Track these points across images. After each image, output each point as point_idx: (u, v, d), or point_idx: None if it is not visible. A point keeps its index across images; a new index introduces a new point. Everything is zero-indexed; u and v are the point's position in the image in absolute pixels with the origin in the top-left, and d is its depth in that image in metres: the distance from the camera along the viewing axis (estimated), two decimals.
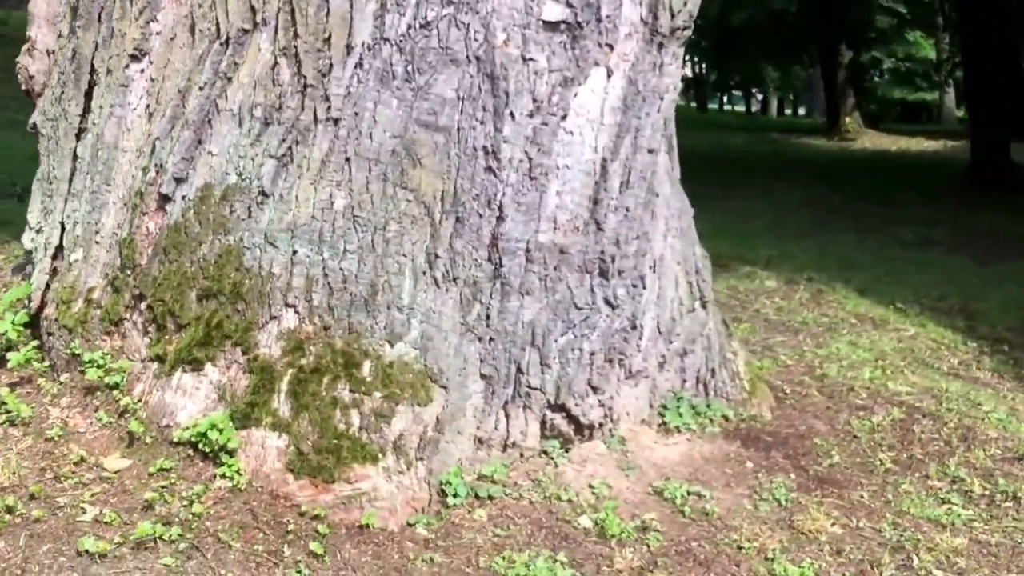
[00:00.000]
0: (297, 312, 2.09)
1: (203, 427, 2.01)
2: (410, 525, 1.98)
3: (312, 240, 2.09)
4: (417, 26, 2.07)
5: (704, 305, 2.73)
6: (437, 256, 2.13)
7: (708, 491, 2.24)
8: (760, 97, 33.01)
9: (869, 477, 2.42)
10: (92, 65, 2.39)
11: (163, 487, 1.96)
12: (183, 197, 2.20)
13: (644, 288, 2.42)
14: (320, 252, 2.09)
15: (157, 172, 2.23)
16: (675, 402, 2.60)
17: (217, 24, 2.16)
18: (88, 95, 2.41)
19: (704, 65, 27.14)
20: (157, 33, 2.28)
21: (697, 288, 2.71)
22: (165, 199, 2.23)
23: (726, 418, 2.66)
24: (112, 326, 2.28)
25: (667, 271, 2.58)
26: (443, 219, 2.14)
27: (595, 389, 2.31)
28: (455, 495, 2.07)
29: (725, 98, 33.47)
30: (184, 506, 1.90)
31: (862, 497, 2.30)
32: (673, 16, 2.31)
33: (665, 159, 2.60)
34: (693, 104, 27.48)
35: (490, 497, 2.10)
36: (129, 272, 2.26)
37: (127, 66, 2.31)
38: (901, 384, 3.19)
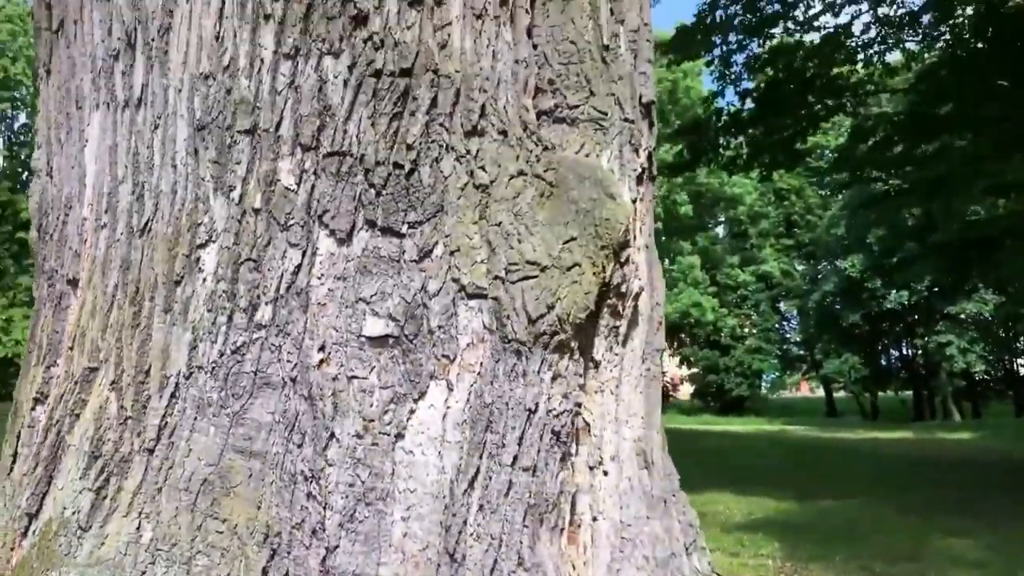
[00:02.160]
0: None
1: None
2: None
3: None
4: (229, 352, 2.05)
5: None
6: None
7: None
8: None
9: None
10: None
11: None
12: (33, 532, 2.20)
13: None
14: None
15: (16, 508, 2.27)
16: None
17: (72, 366, 2.27)
18: None
19: None
20: (55, 376, 2.43)
21: None
22: (23, 534, 2.24)
23: None
24: None
25: None
26: (258, 551, 1.97)
27: None
28: None
29: None
30: None
31: None
32: (532, 321, 2.13)
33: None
34: None
35: None
36: None
37: (32, 408, 2.44)
38: None
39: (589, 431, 2.41)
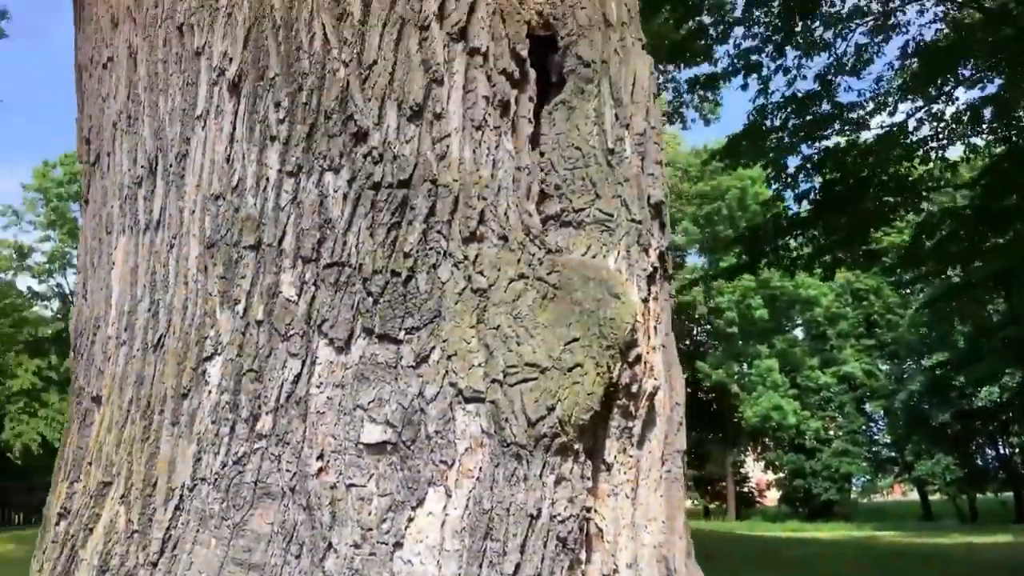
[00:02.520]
0: None
1: None
2: None
3: None
4: (231, 463, 2.07)
5: None
6: None
7: None
8: None
9: None
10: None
11: None
12: None
13: None
14: None
15: None
16: None
17: (89, 480, 2.33)
18: None
19: None
20: (77, 492, 2.48)
21: None
22: None
23: None
24: None
25: None
26: None
27: None
28: None
29: None
30: None
31: None
32: (532, 424, 2.12)
33: None
34: None
35: None
36: None
37: (57, 523, 2.50)
38: None
39: (602, 537, 2.34)
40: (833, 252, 12.58)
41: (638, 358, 2.48)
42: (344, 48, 2.23)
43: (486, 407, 2.10)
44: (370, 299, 2.11)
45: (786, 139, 12.59)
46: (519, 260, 2.29)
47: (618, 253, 2.54)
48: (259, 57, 2.24)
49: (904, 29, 13.85)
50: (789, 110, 12.54)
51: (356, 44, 2.24)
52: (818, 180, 12.95)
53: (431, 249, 2.17)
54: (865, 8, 12.24)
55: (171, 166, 2.31)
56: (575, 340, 2.25)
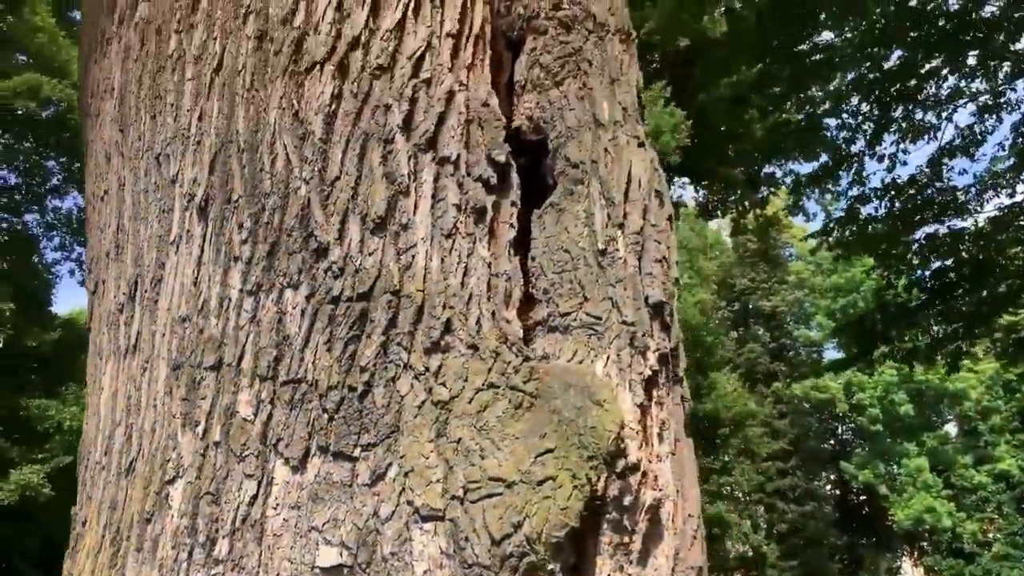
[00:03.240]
0: None
1: None
2: None
3: None
4: None
5: None
6: None
7: None
8: None
9: None
10: None
11: None
12: None
13: None
14: None
15: None
16: None
17: None
18: None
19: None
20: None
21: None
22: None
23: None
24: None
25: None
26: None
27: None
28: None
29: None
30: None
31: None
32: (496, 543, 1.98)
33: None
34: None
35: None
36: None
37: None
38: None
39: None
40: (956, 342, 11.80)
41: (633, 468, 2.31)
42: (305, 166, 2.25)
43: (445, 526, 1.98)
44: (325, 416, 2.06)
45: (892, 225, 12.10)
46: (490, 369, 2.20)
47: (608, 357, 2.42)
48: (226, 181, 2.29)
49: (1017, 106, 13.29)
50: (891, 195, 12.08)
51: (317, 161, 2.26)
52: (936, 264, 12.33)
53: (390, 362, 2.12)
54: (965, 89, 11.82)
55: (147, 291, 2.36)
56: (548, 452, 2.12)
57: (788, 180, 15.80)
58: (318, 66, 2.35)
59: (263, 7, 2.39)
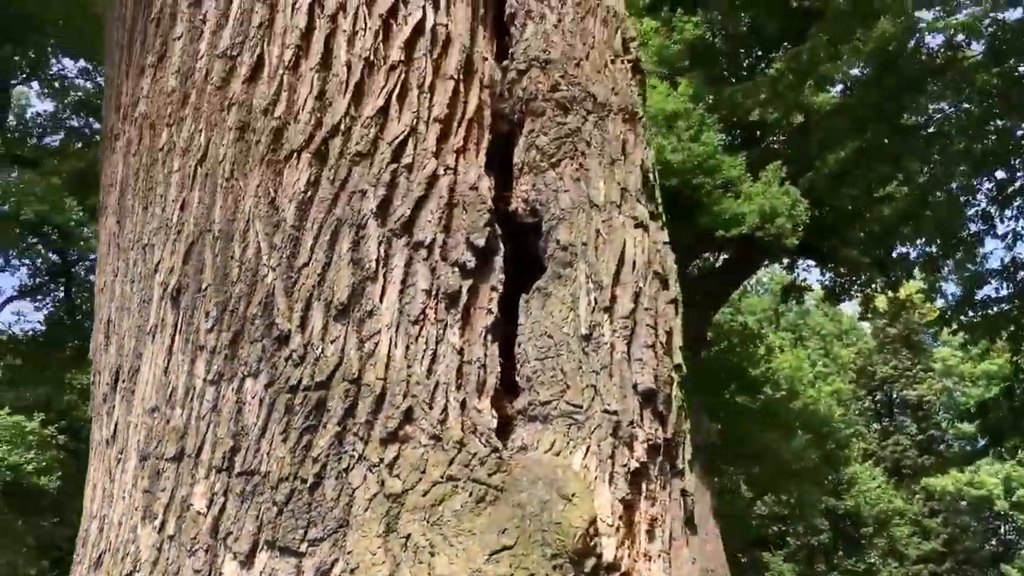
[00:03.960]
0: None
1: None
2: None
3: None
4: None
5: None
6: None
7: None
8: None
9: None
10: None
11: None
12: None
13: None
14: None
15: None
16: None
17: None
18: None
19: None
20: None
21: None
22: None
23: None
24: None
25: None
26: None
27: None
28: None
29: None
30: None
31: None
32: None
33: None
34: None
35: None
36: None
37: None
38: None
39: None
40: None
41: (610, 568, 2.17)
42: (274, 253, 2.25)
43: None
44: (275, 509, 2.01)
45: (1019, 305, 11.41)
46: (452, 460, 2.12)
47: (587, 448, 2.30)
48: (200, 269, 2.31)
49: None
50: (1011, 273, 11.44)
51: (287, 248, 2.26)
52: None
53: (344, 452, 2.06)
54: None
55: (124, 381, 2.38)
56: (505, 549, 2.01)
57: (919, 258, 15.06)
58: (295, 154, 2.37)
59: (247, 99, 2.44)
